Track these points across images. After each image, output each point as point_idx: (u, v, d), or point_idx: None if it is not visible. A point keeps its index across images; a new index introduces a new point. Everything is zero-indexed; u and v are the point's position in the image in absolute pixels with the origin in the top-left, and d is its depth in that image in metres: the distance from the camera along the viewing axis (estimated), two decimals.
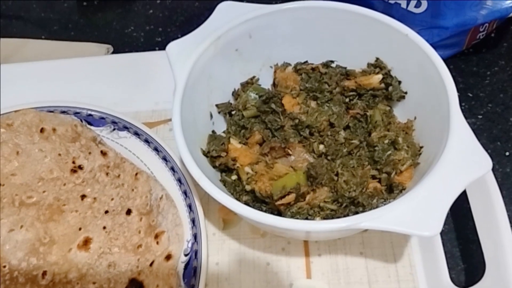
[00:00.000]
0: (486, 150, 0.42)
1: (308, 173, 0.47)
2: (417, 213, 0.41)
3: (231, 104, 0.57)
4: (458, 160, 0.43)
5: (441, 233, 0.52)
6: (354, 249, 0.53)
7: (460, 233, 0.54)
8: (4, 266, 0.53)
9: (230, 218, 0.56)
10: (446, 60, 0.48)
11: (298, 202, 0.47)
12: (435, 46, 0.50)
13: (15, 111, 0.62)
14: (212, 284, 0.52)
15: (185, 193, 0.55)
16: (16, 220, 0.56)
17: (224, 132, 0.56)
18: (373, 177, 0.50)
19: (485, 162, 0.42)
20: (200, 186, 0.44)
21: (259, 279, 0.52)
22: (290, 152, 0.50)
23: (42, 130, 0.61)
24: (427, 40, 0.50)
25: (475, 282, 0.46)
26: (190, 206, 0.54)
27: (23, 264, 0.53)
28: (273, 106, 0.54)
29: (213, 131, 0.56)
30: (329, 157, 0.50)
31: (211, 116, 0.56)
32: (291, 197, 0.46)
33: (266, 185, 0.49)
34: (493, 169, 0.43)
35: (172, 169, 0.56)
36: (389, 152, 0.49)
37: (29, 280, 0.53)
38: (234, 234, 0.55)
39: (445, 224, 0.52)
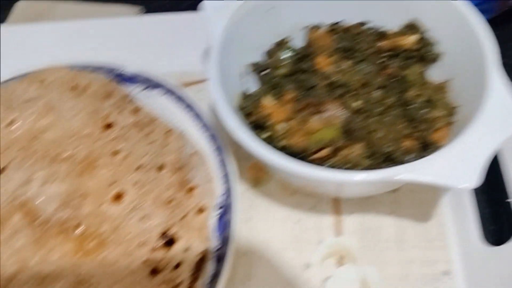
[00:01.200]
0: None
1: (345, 128, 0.47)
2: (455, 166, 0.41)
3: (263, 63, 0.57)
4: (496, 116, 0.43)
5: (472, 194, 0.52)
6: (384, 208, 0.53)
7: (492, 195, 0.54)
8: (38, 218, 0.54)
9: (260, 177, 0.57)
10: None
11: (333, 157, 0.47)
12: None
13: (48, 68, 0.62)
14: (243, 239, 0.52)
15: (217, 149, 0.55)
16: (49, 174, 0.57)
17: (254, 91, 0.56)
18: (408, 135, 0.50)
19: None
20: (232, 145, 0.44)
21: (289, 236, 0.53)
22: (325, 109, 0.50)
23: (74, 88, 0.61)
24: None
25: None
26: (222, 162, 0.54)
27: (56, 216, 0.54)
28: (306, 65, 0.54)
29: (243, 91, 0.56)
30: (364, 114, 0.50)
31: (242, 75, 0.56)
32: (326, 151, 0.47)
33: (300, 140, 0.49)
34: None
35: (205, 126, 0.57)
36: (425, 110, 0.49)
37: (62, 231, 0.53)
38: (264, 193, 0.56)
39: None
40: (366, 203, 0.54)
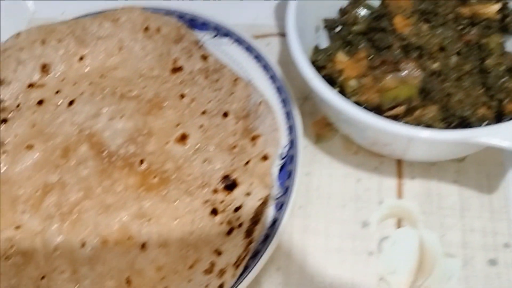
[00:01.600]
0: None
1: (423, 87, 0.47)
2: None
3: (338, 20, 0.56)
4: None
5: None
6: (448, 176, 0.52)
7: None
8: (104, 150, 0.56)
9: (323, 134, 0.57)
10: None
11: (406, 116, 0.47)
12: None
13: (122, 8, 0.63)
14: (301, 191, 0.53)
15: (283, 101, 0.55)
16: (117, 110, 0.58)
17: (328, 46, 0.56)
18: (484, 103, 0.49)
19: None
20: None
21: (349, 193, 0.53)
22: (403, 67, 0.49)
23: (146, 29, 0.62)
24: None
25: None
26: (288, 114, 0.54)
27: (122, 151, 0.56)
28: (383, 24, 0.53)
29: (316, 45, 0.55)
30: (441, 77, 0.49)
31: (317, 29, 0.56)
32: (401, 109, 0.46)
33: (372, 97, 0.48)
34: None
35: (272, 77, 0.57)
36: (504, 79, 0.48)
37: (127, 165, 0.55)
38: (326, 149, 0.56)
39: None
40: (429, 169, 0.53)
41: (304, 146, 0.56)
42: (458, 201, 0.51)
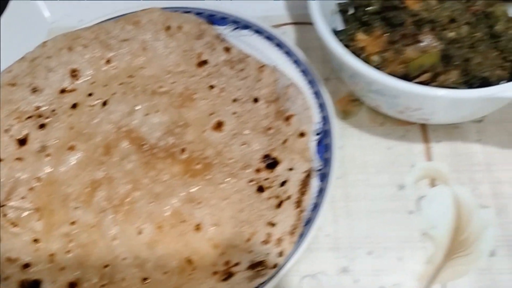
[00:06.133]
0: None
1: (444, 54, 0.51)
2: None
3: (352, 2, 0.60)
4: None
5: None
6: (471, 137, 0.57)
7: None
8: (144, 144, 0.58)
9: (348, 109, 0.60)
10: None
11: (431, 82, 0.51)
12: None
13: (142, 10, 0.66)
14: (338, 163, 0.56)
15: (310, 82, 0.59)
16: (150, 106, 0.61)
17: (348, 27, 0.59)
18: (499, 65, 0.53)
19: None
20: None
21: (382, 161, 0.56)
22: (422, 39, 0.53)
23: (168, 28, 0.65)
24: None
25: None
26: (316, 93, 0.58)
27: (162, 143, 0.59)
28: (395, 2, 0.57)
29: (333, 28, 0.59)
30: (458, 44, 0.53)
31: (332, 13, 0.60)
32: (427, 76, 0.50)
33: (397, 69, 0.52)
34: None
35: (296, 62, 0.60)
36: None
37: (169, 155, 0.58)
38: (353, 124, 0.59)
39: None
40: (452, 132, 0.57)
41: None
42: (483, 158, 0.55)
